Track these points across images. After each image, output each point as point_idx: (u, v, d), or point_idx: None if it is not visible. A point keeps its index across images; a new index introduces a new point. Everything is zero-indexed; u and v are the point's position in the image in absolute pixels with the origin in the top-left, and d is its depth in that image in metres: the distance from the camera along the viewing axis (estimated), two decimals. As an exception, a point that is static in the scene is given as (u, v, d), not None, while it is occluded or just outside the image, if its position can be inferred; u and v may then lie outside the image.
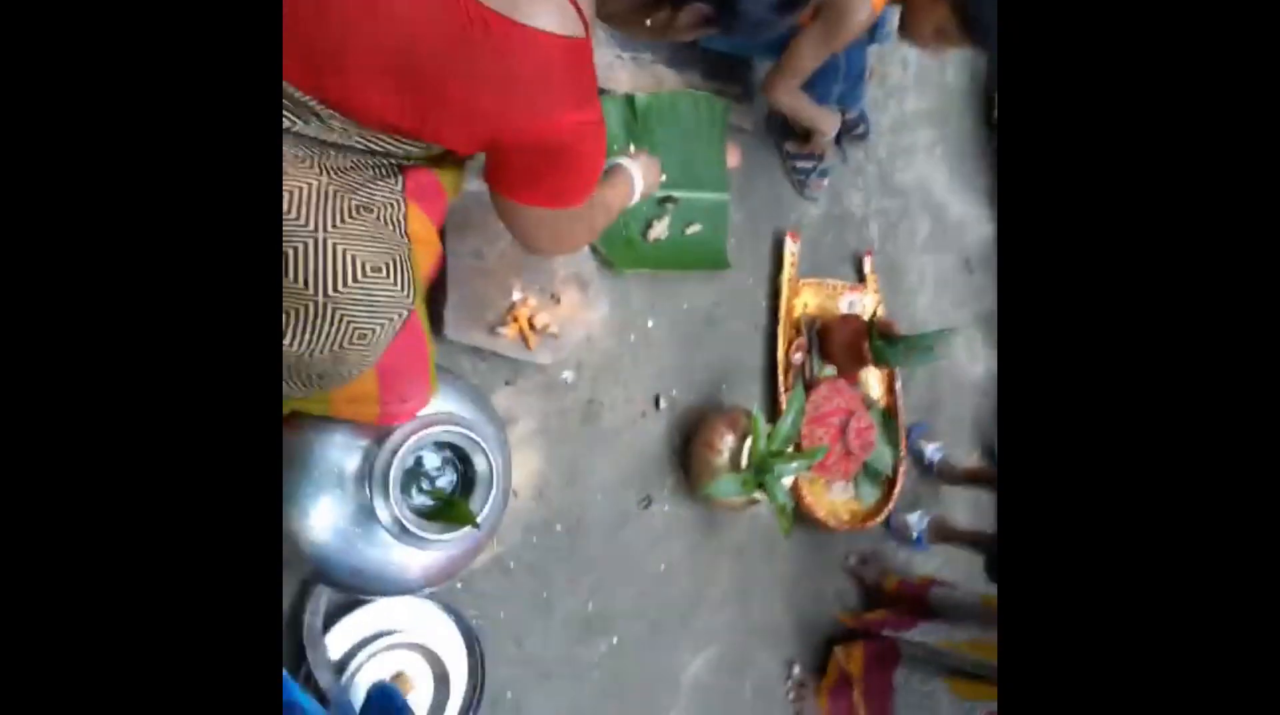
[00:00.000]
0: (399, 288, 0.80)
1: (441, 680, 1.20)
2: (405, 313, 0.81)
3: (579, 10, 0.78)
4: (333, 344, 0.77)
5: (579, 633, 1.42)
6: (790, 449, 1.51)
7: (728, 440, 1.47)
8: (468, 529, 0.95)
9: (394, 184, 0.86)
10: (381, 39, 0.72)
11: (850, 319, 1.76)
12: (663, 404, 1.54)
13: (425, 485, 1.02)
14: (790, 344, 1.71)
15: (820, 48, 1.41)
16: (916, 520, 1.92)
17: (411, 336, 0.85)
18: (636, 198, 1.19)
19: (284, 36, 0.71)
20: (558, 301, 1.36)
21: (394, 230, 0.83)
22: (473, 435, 0.95)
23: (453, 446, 0.98)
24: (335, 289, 0.76)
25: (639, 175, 1.17)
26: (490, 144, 0.81)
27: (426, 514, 0.97)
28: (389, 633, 1.15)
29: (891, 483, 1.86)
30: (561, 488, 1.42)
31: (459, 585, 1.28)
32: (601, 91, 1.37)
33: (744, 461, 1.45)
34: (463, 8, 0.72)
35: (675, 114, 1.50)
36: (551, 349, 1.35)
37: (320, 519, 0.98)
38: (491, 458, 0.97)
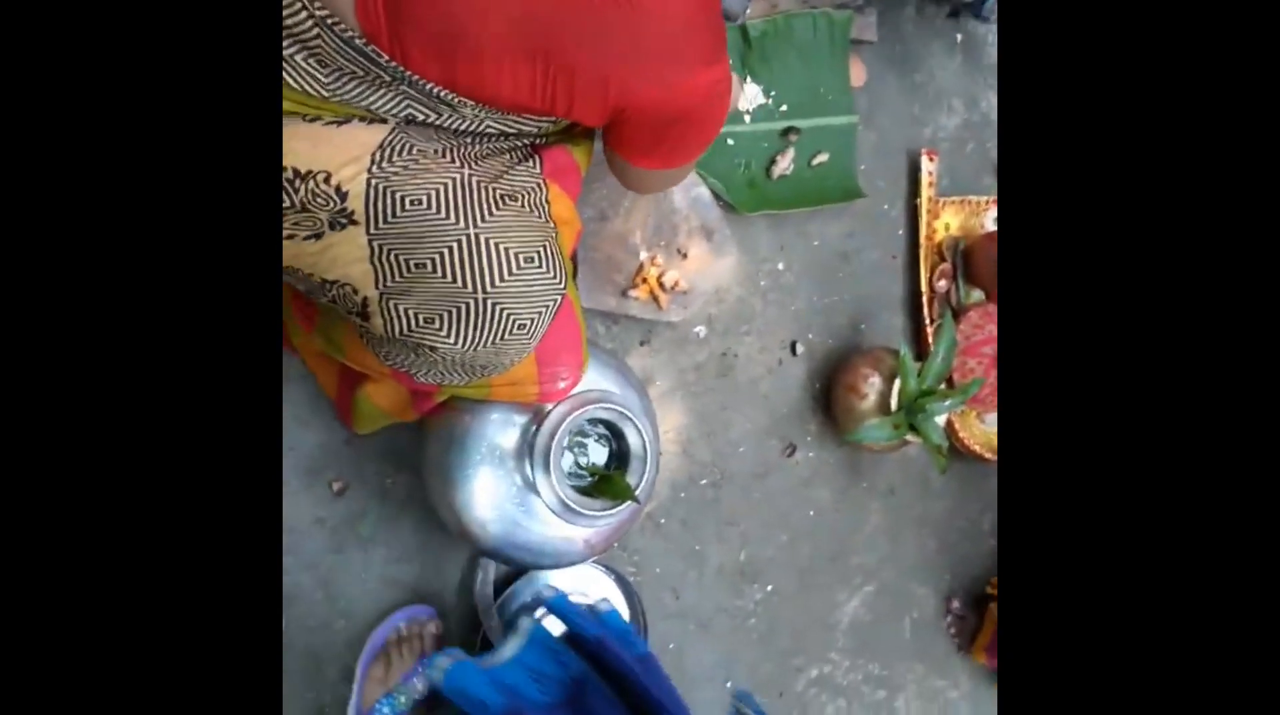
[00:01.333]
0: (552, 274, 0.78)
1: (608, 637, 1.24)
2: (560, 298, 0.79)
3: None
4: (495, 338, 0.76)
5: (733, 582, 1.43)
6: (942, 386, 1.42)
7: (873, 381, 1.40)
8: (627, 502, 0.96)
9: (533, 167, 0.84)
10: (508, 18, 0.69)
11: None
12: (800, 349, 1.48)
13: (582, 461, 1.03)
14: (934, 271, 1.59)
15: None
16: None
17: (565, 317, 0.85)
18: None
19: (410, 32, 0.69)
20: (685, 257, 1.31)
21: (540, 216, 0.81)
22: (625, 410, 0.94)
23: (605, 421, 0.98)
24: (493, 285, 0.74)
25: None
26: (619, 112, 0.77)
27: (584, 490, 0.98)
28: (555, 596, 1.19)
29: (1050, 408, 1.73)
30: (703, 442, 1.41)
31: (615, 544, 1.31)
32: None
33: (893, 403, 1.38)
34: None
35: (791, 38, 1.39)
36: (682, 305, 1.32)
37: (483, 496, 1.01)
38: (643, 431, 0.96)
